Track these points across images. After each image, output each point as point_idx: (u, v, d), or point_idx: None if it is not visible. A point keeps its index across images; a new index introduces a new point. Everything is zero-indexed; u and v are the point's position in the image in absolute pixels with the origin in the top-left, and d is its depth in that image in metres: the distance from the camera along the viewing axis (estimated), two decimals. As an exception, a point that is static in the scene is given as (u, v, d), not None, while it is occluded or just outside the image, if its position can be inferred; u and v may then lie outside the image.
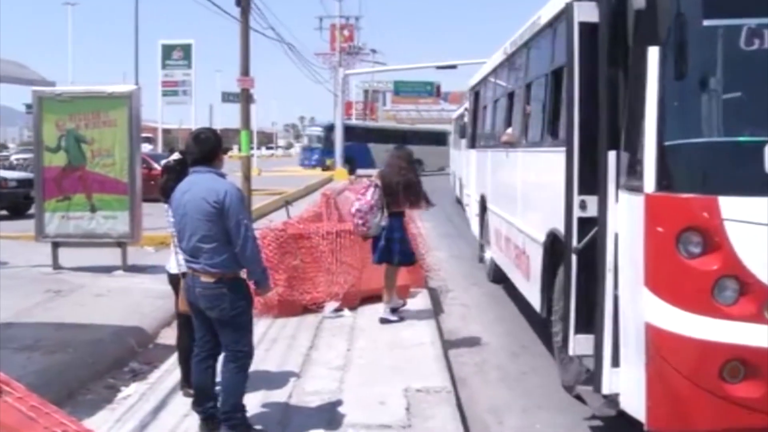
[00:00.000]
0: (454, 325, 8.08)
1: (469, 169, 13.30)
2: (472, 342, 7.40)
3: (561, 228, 5.13)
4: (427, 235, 10.06)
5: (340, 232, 8.08)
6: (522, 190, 7.43)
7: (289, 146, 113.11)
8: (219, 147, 4.55)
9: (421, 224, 9.70)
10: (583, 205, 4.71)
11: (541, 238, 6.07)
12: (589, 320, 4.71)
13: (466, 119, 16.77)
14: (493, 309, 8.85)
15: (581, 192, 4.72)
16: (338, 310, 7.80)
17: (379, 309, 7.82)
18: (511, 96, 8.38)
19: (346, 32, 50.63)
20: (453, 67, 35.44)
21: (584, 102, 4.68)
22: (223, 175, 4.53)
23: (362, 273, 8.12)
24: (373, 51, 59.87)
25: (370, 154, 39.25)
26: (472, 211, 12.14)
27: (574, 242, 4.78)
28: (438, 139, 42.69)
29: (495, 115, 9.74)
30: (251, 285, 4.55)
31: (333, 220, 9.19)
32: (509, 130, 8.20)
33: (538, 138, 6.63)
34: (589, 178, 4.63)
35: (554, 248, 5.73)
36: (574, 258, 4.79)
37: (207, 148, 4.47)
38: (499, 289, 9.79)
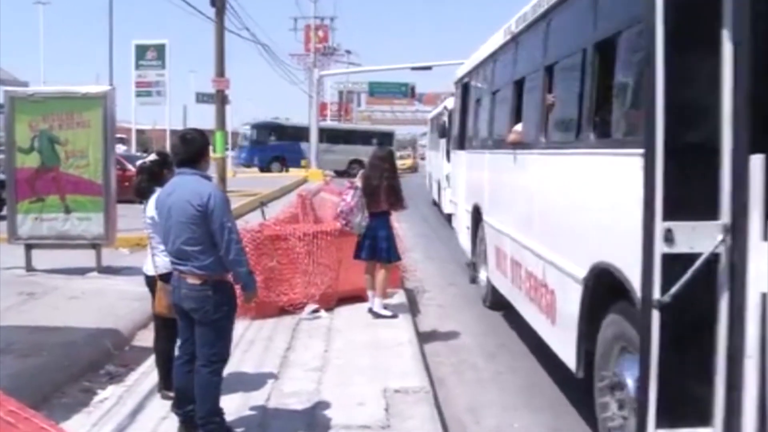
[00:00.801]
0: (431, 325, 8.10)
1: (456, 172, 11.32)
2: (450, 342, 7.42)
3: (616, 263, 3.88)
4: (403, 236, 10.08)
5: (317, 234, 8.06)
6: (542, 204, 5.78)
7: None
8: (206, 148, 4.52)
9: (398, 225, 9.73)
10: (669, 237, 3.19)
11: (580, 272, 4.47)
12: (676, 409, 3.26)
13: (445, 118, 16.71)
14: (469, 309, 8.88)
15: (668, 216, 3.20)
16: (315, 311, 7.79)
17: (357, 309, 7.85)
18: (518, 85, 6.84)
19: (320, 33, 50.49)
20: (428, 68, 35.52)
21: (675, 78, 3.15)
22: (208, 178, 4.51)
23: (339, 274, 8.11)
24: (348, 52, 59.86)
25: (302, 153, 40.47)
26: (461, 222, 10.42)
27: (656, 292, 3.20)
28: (382, 140, 41.62)
29: (494, 109, 8.20)
30: (238, 289, 4.53)
31: (309, 221, 9.18)
32: (518, 127, 6.75)
33: (572, 136, 5.01)
34: (680, 195, 3.20)
35: (601, 289, 4.25)
36: (655, 315, 3.21)
37: (193, 149, 4.43)
38: (476, 290, 9.84)
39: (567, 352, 4.89)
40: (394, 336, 6.97)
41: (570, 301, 4.71)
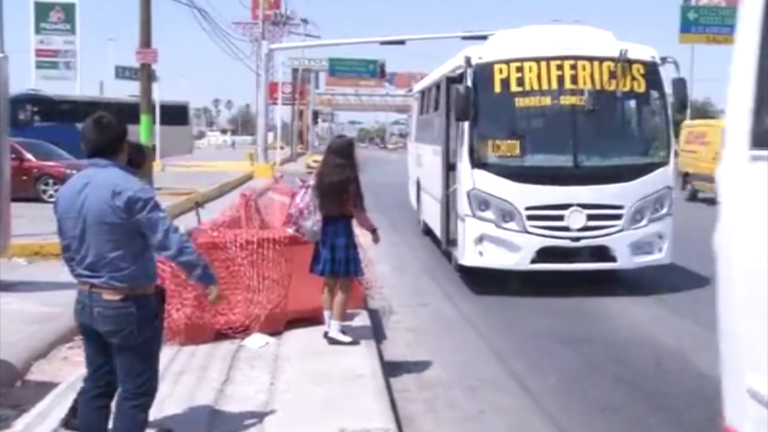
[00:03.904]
0: (398, 353, 8.12)
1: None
2: (421, 374, 7.45)
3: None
4: (366, 245, 10.10)
5: (263, 242, 8.04)
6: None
7: (201, 135, 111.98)
8: (124, 135, 4.55)
9: (359, 231, 9.76)
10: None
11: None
12: None
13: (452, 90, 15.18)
14: (445, 334, 8.93)
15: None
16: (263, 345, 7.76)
17: (311, 333, 7.84)
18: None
19: (271, -3, 50.44)
20: (400, 42, 35.62)
21: None
22: (127, 169, 4.52)
23: (289, 291, 8.10)
24: (304, 21, 59.86)
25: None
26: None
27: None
28: (170, 114, 38.74)
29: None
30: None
31: (254, 226, 9.14)
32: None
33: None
34: None
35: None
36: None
37: (109, 136, 4.45)
38: (452, 310, 9.91)
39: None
40: (354, 366, 6.97)
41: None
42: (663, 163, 10.95)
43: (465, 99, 10.46)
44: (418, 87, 18.86)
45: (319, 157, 39.66)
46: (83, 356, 4.79)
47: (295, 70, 61.90)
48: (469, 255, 10.75)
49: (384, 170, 31.29)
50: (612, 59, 10.71)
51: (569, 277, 10.85)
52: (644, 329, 9.05)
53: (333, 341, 7.63)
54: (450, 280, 11.54)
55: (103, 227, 4.30)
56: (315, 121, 74.19)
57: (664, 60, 11.09)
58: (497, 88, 10.80)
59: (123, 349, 4.38)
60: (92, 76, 72.30)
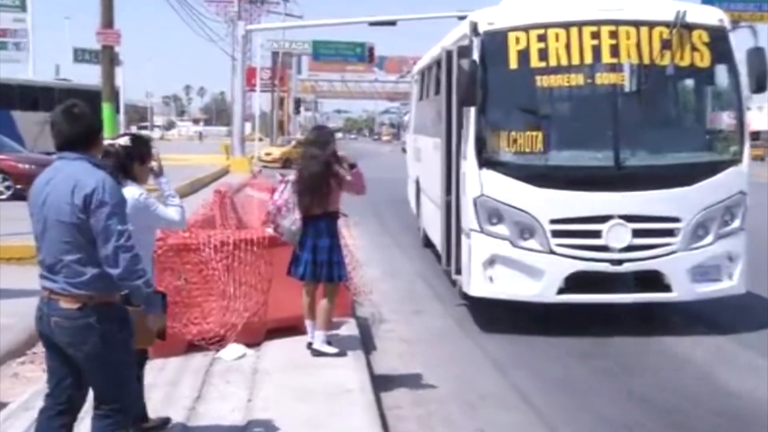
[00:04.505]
0: (390, 366, 8.10)
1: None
2: (415, 389, 7.42)
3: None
4: (354, 247, 10.06)
5: (239, 243, 8.00)
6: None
7: (170, 126, 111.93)
8: (98, 127, 4.53)
9: (347, 231, 9.71)
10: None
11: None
12: None
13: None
14: (441, 344, 8.91)
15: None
16: (240, 357, 7.71)
17: (293, 344, 7.82)
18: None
19: (248, -26, 50.43)
20: (391, 23, 35.60)
21: None
22: (99, 165, 4.45)
23: (269, 297, 8.06)
24: (285, 0, 59.91)
25: (15, 128, 31.67)
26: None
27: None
28: (87, 99, 37.23)
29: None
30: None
31: (230, 226, 9.10)
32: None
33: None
34: None
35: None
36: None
37: (81, 127, 4.40)
38: (449, 320, 9.84)
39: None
40: (341, 380, 6.95)
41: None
42: (734, 161, 9.11)
43: (470, 78, 8.74)
44: (417, 67, 16.67)
45: (274, 150, 39.29)
46: (36, 372, 4.73)
47: (274, 54, 61.76)
48: (476, 282, 9.07)
49: (377, 164, 31.34)
50: (665, 24, 8.94)
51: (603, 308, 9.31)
52: (665, 339, 8.97)
53: (317, 353, 7.60)
54: (446, 284, 11.28)
55: (60, 226, 4.26)
56: (297, 110, 73.96)
57: (735, 25, 9.39)
58: (513, 64, 9.02)
59: (88, 363, 4.35)
60: (48, 59, 71.91)
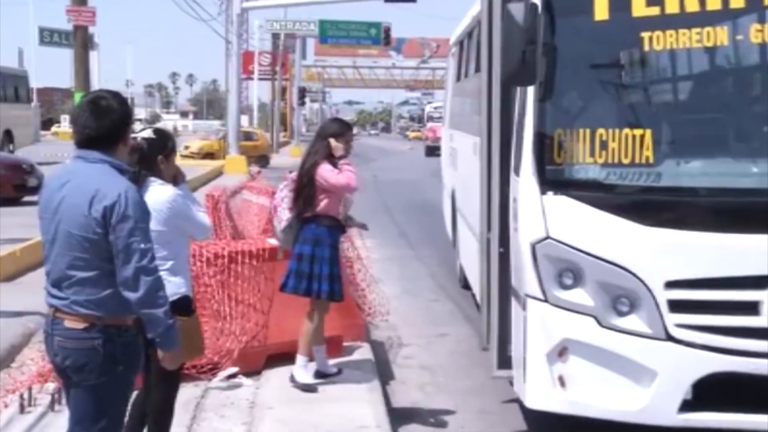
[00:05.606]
0: (410, 398, 8.13)
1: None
2: (438, 426, 7.46)
3: None
4: (369, 260, 10.09)
5: (235, 255, 8.04)
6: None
7: (155, 119, 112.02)
8: (128, 124, 4.49)
9: (361, 243, 9.74)
10: None
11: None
12: None
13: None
14: (468, 373, 8.89)
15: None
16: (232, 376, 7.76)
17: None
18: None
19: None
20: (412, 0, 35.63)
21: None
22: (123, 170, 4.45)
23: (270, 318, 8.10)
24: (287, -27, 59.85)
25: None
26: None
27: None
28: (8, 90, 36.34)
29: None
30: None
31: (224, 235, 9.15)
32: None
33: None
34: None
35: None
36: None
37: (107, 123, 4.36)
38: (477, 345, 9.84)
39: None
40: (354, 416, 6.97)
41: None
42: None
43: (524, 36, 6.06)
44: (455, 35, 13.36)
45: (192, 143, 38.87)
46: None
47: (275, 36, 61.93)
48: (535, 386, 6.42)
49: (392, 163, 31.26)
50: None
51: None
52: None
53: (305, 388, 7.57)
54: (474, 304, 11.02)
55: (71, 239, 4.27)
56: (302, 101, 73.73)
57: None
58: (601, 12, 6.26)
59: (78, 387, 4.38)
60: (10, 41, 71.34)
